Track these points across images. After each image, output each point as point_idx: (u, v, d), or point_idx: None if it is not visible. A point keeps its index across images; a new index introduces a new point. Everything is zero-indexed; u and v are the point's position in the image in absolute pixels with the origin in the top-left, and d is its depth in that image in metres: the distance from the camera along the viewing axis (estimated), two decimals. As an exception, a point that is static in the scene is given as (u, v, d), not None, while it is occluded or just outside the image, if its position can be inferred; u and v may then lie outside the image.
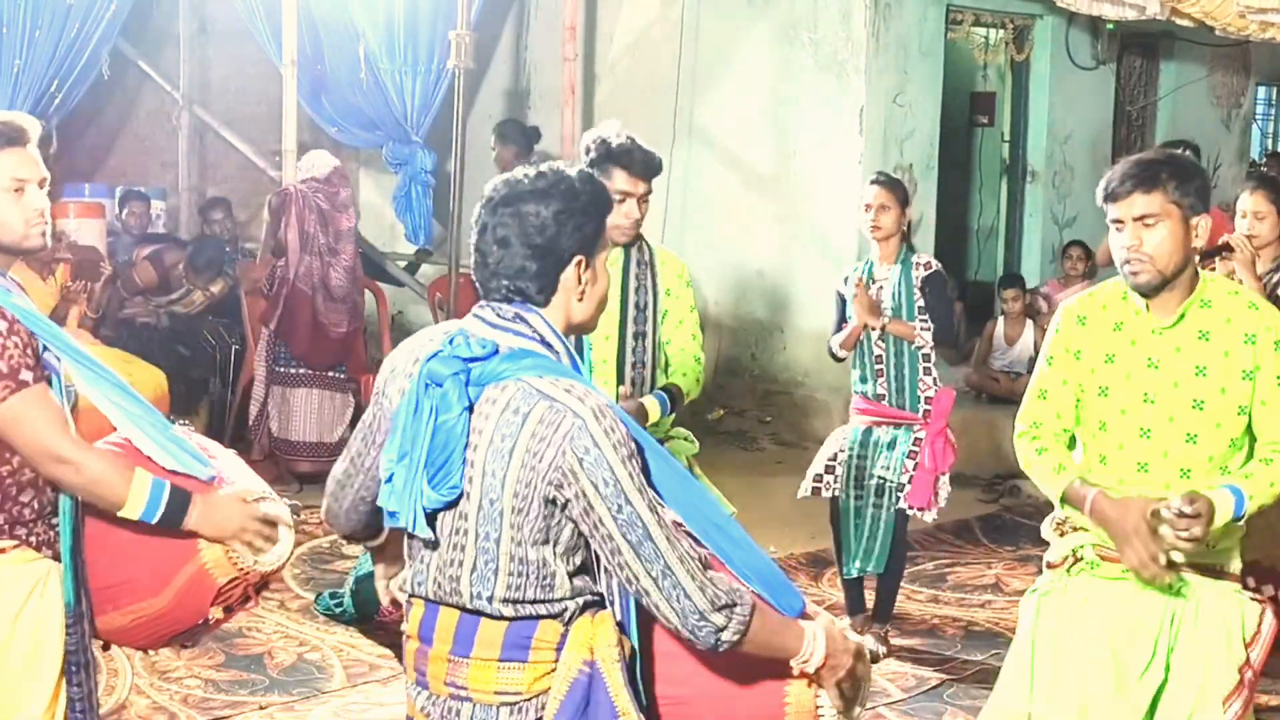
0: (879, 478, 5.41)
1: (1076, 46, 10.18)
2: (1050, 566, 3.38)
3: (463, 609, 2.33)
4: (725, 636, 2.25)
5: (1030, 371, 9.44)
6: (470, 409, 2.28)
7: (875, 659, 5.38)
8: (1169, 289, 3.16)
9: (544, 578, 2.29)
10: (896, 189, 5.47)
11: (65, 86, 8.04)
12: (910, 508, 5.38)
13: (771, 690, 2.40)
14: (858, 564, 5.47)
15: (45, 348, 2.90)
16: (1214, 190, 11.47)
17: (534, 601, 2.29)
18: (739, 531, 2.44)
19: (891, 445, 5.42)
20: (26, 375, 2.81)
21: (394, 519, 2.34)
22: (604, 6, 10.15)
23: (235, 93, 10.43)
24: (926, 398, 5.42)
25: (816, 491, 5.57)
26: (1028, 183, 10.29)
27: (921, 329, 5.38)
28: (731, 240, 9.51)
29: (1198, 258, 5.05)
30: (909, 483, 5.35)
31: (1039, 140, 10.22)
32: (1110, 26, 9.93)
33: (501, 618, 2.30)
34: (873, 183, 5.52)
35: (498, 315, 2.36)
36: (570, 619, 2.32)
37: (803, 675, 2.39)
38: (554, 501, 2.25)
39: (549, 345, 2.34)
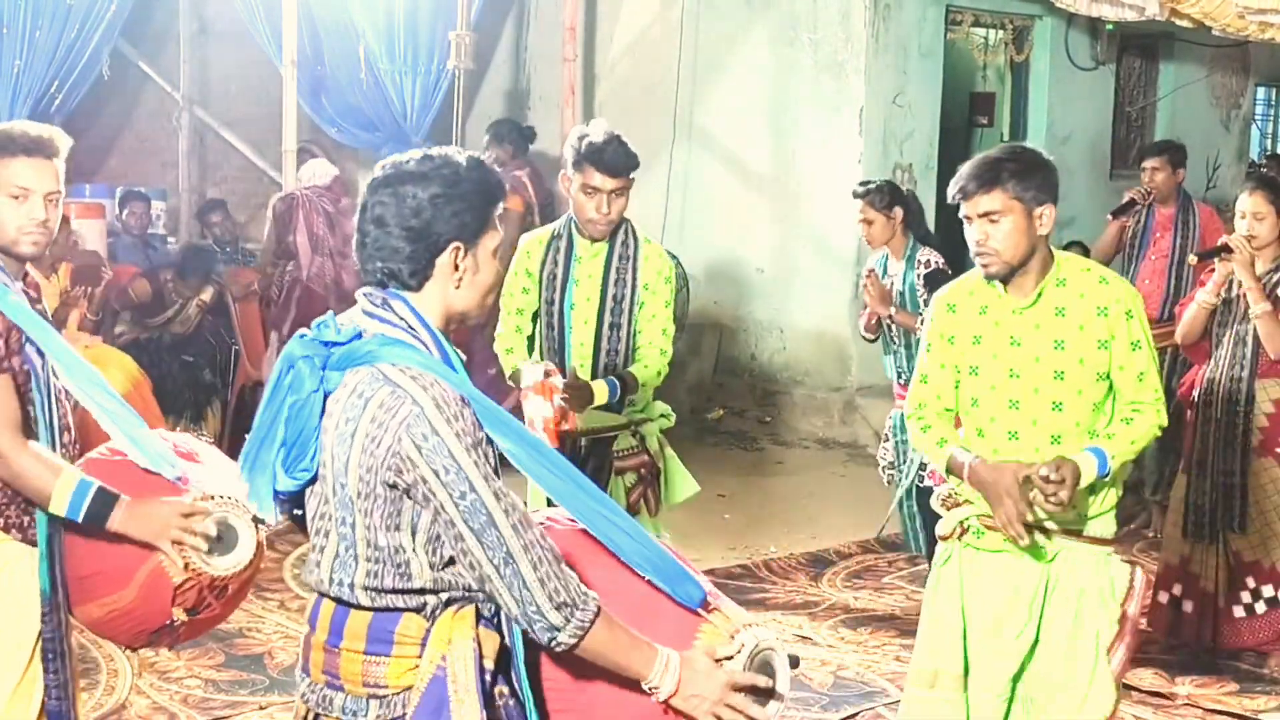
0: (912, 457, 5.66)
1: (1076, 47, 10.18)
2: (941, 539, 3.60)
3: (330, 597, 2.33)
4: (561, 637, 2.21)
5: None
6: (327, 394, 2.28)
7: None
8: (1022, 273, 3.42)
9: (399, 565, 2.26)
10: (875, 198, 5.63)
11: (66, 87, 8.04)
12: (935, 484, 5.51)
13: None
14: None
15: (28, 341, 2.97)
16: (1213, 190, 11.53)
17: (393, 591, 2.28)
18: (629, 522, 2.40)
19: None
20: None
21: (252, 499, 2.36)
22: (604, 7, 10.16)
23: (235, 93, 10.44)
24: None
25: (891, 479, 5.86)
26: (1027, 183, 10.30)
27: (921, 322, 5.48)
28: (731, 240, 9.52)
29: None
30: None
31: (1038, 141, 10.20)
32: (1109, 27, 9.93)
33: (362, 607, 2.30)
34: (855, 195, 5.73)
35: (369, 301, 2.33)
36: (434, 614, 2.29)
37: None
38: (395, 487, 2.23)
39: (415, 334, 2.30)
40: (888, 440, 5.90)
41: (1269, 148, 12.87)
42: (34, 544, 3.03)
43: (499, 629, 2.33)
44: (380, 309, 2.31)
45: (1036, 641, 3.50)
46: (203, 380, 8.09)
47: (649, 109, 9.72)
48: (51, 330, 3.06)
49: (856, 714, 4.90)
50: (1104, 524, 3.51)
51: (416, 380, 2.22)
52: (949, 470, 3.52)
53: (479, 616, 2.31)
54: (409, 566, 2.27)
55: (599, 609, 2.23)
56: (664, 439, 4.59)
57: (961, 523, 3.53)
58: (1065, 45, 10.12)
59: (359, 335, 2.29)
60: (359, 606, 2.30)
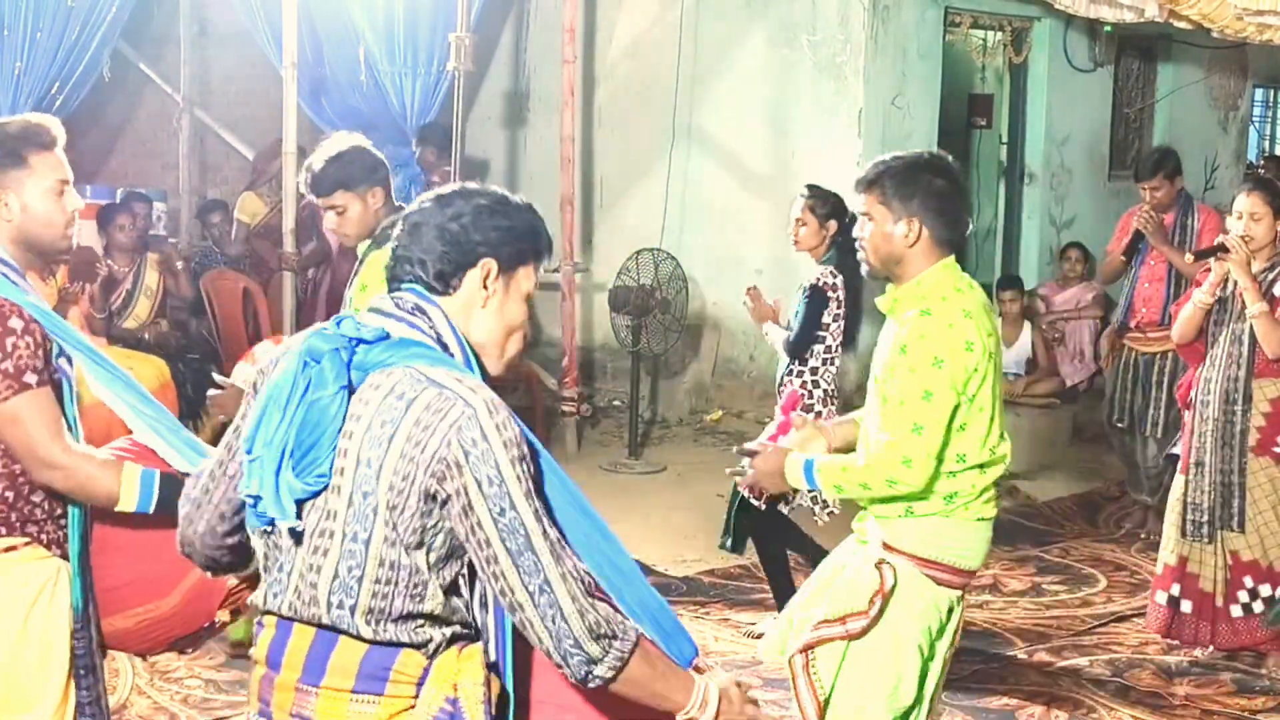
0: None
1: (1074, 49, 10.20)
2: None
3: (319, 625, 2.12)
4: (598, 671, 2.06)
5: (1028, 373, 9.39)
6: (350, 392, 2.08)
7: None
8: (898, 280, 3.39)
9: (414, 586, 2.08)
10: (817, 204, 5.62)
11: (66, 88, 8.03)
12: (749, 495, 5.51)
13: None
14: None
15: (60, 350, 2.91)
16: (1211, 191, 11.52)
17: (399, 619, 2.08)
18: (631, 565, 2.23)
19: None
20: (31, 378, 2.82)
21: (255, 508, 2.12)
22: (603, 9, 10.17)
23: (236, 95, 10.45)
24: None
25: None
26: (1025, 184, 10.31)
27: (776, 335, 5.68)
28: (730, 241, 9.53)
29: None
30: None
31: (1037, 142, 10.23)
32: (1108, 29, 9.95)
33: (360, 638, 2.09)
34: (801, 195, 5.70)
35: (395, 305, 2.18)
36: (435, 652, 2.11)
37: None
38: (434, 497, 2.05)
39: (445, 346, 2.15)
40: None
41: (1267, 149, 12.90)
42: (69, 558, 2.95)
43: (498, 673, 2.18)
44: (411, 314, 2.16)
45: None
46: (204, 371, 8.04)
47: (648, 111, 9.73)
48: (79, 333, 3.01)
49: (855, 713, 4.91)
50: (895, 531, 3.41)
51: (462, 382, 2.07)
52: None
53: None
54: (425, 589, 2.09)
55: (639, 637, 2.11)
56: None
57: None
58: (1064, 47, 10.13)
59: (385, 336, 2.12)
60: (355, 637, 2.09)
